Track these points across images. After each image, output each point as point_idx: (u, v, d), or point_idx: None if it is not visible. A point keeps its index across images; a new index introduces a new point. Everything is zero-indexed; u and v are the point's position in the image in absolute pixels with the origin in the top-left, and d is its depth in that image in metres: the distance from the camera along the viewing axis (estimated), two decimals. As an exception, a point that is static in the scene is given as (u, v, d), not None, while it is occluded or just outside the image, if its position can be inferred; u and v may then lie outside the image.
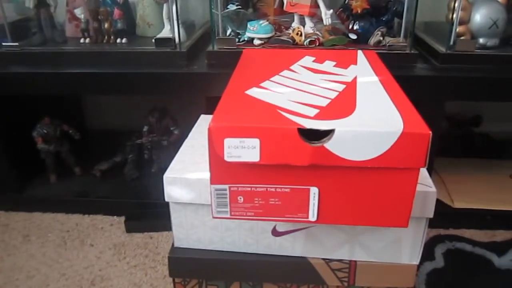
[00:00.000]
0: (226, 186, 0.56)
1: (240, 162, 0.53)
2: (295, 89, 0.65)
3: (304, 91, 0.64)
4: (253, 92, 0.63)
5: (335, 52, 0.88)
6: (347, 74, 0.72)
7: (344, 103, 0.60)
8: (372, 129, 0.52)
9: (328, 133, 0.52)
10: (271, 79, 0.69)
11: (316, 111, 0.56)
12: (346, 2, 1.15)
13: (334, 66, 0.77)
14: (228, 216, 0.59)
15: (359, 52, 0.85)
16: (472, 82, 1.02)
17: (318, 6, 1.09)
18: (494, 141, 1.46)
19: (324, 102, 0.59)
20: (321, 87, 0.66)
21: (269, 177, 0.55)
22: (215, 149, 0.53)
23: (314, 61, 0.80)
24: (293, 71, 0.74)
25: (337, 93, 0.63)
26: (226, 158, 0.53)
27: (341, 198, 0.56)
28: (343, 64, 0.77)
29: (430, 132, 0.51)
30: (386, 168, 0.53)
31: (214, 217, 0.59)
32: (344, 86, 0.66)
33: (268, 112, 0.56)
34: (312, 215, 0.57)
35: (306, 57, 0.82)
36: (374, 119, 0.55)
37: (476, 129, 1.47)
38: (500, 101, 1.07)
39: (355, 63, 0.79)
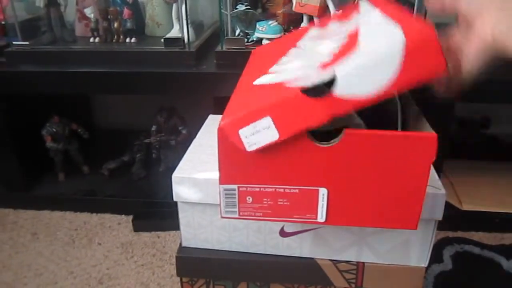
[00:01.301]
0: (235, 186, 0.56)
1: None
2: (301, 61, 0.63)
3: (310, 60, 0.61)
4: (261, 80, 0.62)
5: (338, 15, 0.84)
6: (351, 24, 0.68)
7: (347, 49, 0.56)
8: (373, 55, 0.48)
9: (332, 81, 0.50)
10: (278, 62, 0.68)
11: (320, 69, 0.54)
12: (356, 2, 1.15)
13: (338, 24, 0.73)
14: (237, 216, 0.59)
15: (361, 1, 0.80)
16: (482, 84, 1.01)
17: (327, 7, 1.09)
18: (503, 143, 1.45)
19: (328, 60, 0.57)
20: (327, 50, 0.63)
21: (278, 178, 0.55)
22: (235, 144, 0.52)
23: (318, 29, 0.77)
24: (299, 47, 0.72)
25: (341, 46, 0.60)
26: (248, 148, 0.52)
27: (350, 199, 0.56)
28: (346, 18, 0.73)
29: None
30: (396, 166, 0.53)
31: (222, 217, 0.59)
32: (347, 38, 0.63)
33: (274, 90, 0.55)
34: (321, 216, 0.57)
35: (311, 29, 0.79)
36: (375, 46, 0.51)
37: (485, 131, 1.46)
38: (510, 103, 1.06)
39: (358, 11, 0.75)
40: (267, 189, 0.56)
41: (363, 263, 0.71)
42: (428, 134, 0.52)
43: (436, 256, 1.04)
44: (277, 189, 0.56)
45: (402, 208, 0.56)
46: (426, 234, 0.67)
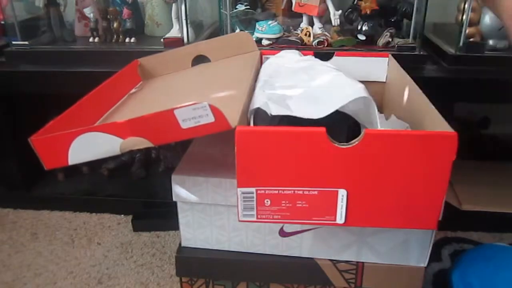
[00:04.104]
0: (253, 189, 0.55)
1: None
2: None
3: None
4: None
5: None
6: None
7: None
8: None
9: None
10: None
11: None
12: (355, 2, 1.15)
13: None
14: (255, 219, 0.57)
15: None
16: (481, 84, 1.01)
17: (327, 7, 1.09)
18: (502, 143, 1.45)
19: None
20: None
21: (297, 179, 0.54)
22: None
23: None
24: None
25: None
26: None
27: (369, 200, 0.55)
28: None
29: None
30: (416, 165, 0.52)
31: (240, 221, 0.58)
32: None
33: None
34: (340, 218, 0.56)
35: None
36: None
37: (484, 131, 1.46)
38: (509, 103, 1.06)
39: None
40: (285, 191, 0.55)
41: (363, 263, 0.71)
42: (448, 133, 0.51)
43: (435, 254, 1.04)
44: (295, 191, 0.55)
45: (422, 208, 0.55)
46: (426, 234, 0.67)
